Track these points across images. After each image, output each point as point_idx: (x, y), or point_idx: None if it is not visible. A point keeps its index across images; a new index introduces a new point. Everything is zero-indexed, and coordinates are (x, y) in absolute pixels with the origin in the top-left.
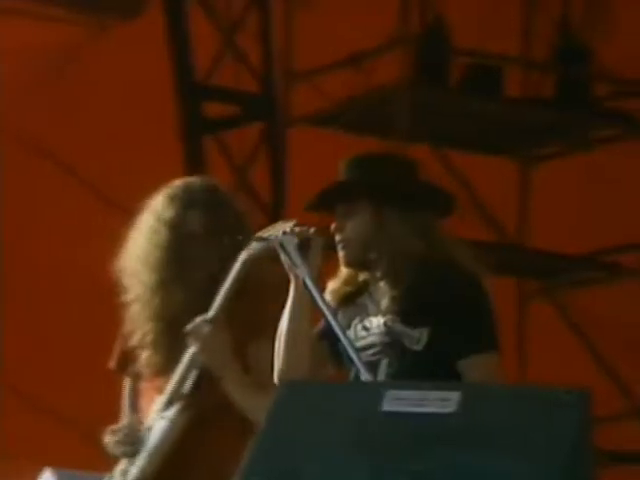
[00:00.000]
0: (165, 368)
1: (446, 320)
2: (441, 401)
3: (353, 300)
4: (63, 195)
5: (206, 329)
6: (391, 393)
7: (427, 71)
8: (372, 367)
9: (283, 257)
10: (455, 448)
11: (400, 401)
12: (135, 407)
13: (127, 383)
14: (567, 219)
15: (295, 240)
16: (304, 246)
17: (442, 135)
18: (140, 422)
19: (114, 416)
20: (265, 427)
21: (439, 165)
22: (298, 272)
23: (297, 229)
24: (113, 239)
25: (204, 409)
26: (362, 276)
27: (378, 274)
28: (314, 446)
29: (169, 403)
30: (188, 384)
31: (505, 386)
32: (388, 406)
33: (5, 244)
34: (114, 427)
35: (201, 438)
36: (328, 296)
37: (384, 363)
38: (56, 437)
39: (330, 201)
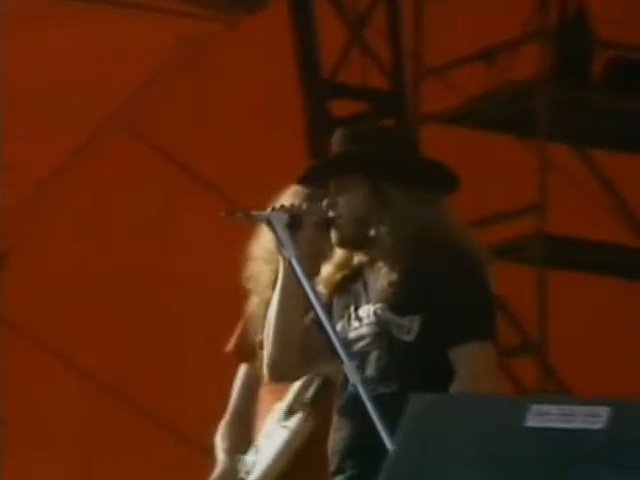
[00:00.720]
0: None
1: (439, 307)
2: (589, 417)
3: (348, 287)
4: (182, 194)
5: None
6: (536, 408)
7: (567, 65)
8: (362, 359)
9: (272, 236)
10: (602, 467)
11: (545, 416)
12: (246, 395)
13: (242, 369)
14: None
15: (285, 217)
16: (295, 224)
17: (583, 134)
18: (238, 471)
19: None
20: (399, 441)
21: (580, 165)
22: (285, 252)
23: (287, 205)
24: (233, 239)
25: (327, 421)
26: (357, 260)
27: (375, 254)
28: (452, 462)
29: (290, 412)
30: (310, 392)
31: None
32: (532, 422)
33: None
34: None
35: (322, 452)
36: (321, 282)
37: (373, 355)
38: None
39: (323, 176)
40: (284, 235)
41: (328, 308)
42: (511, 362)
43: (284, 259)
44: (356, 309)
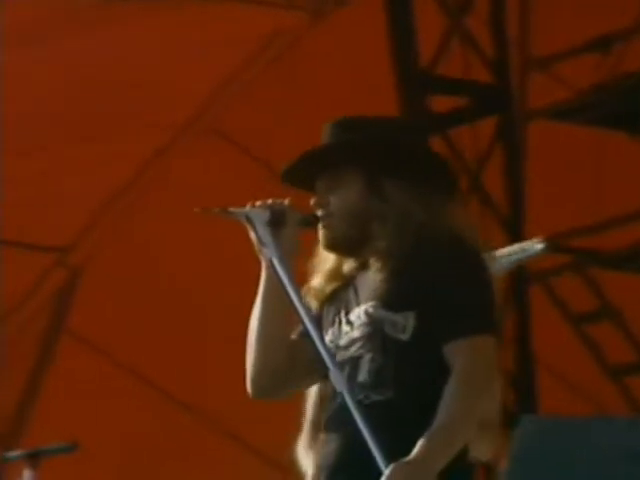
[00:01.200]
0: None
1: (436, 300)
2: None
3: (338, 295)
4: (266, 192)
5: None
6: None
7: None
8: (354, 365)
9: (252, 235)
10: None
11: None
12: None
13: (313, 387)
14: None
15: (266, 214)
16: (279, 222)
17: None
18: None
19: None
20: (510, 466)
21: None
22: (266, 252)
23: (270, 201)
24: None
25: None
26: (347, 267)
27: (368, 255)
28: None
29: None
30: None
31: None
32: None
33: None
34: None
35: None
36: (311, 294)
37: (366, 359)
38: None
39: (310, 171)
40: (264, 233)
41: (318, 320)
42: (626, 380)
43: (265, 259)
44: (347, 313)
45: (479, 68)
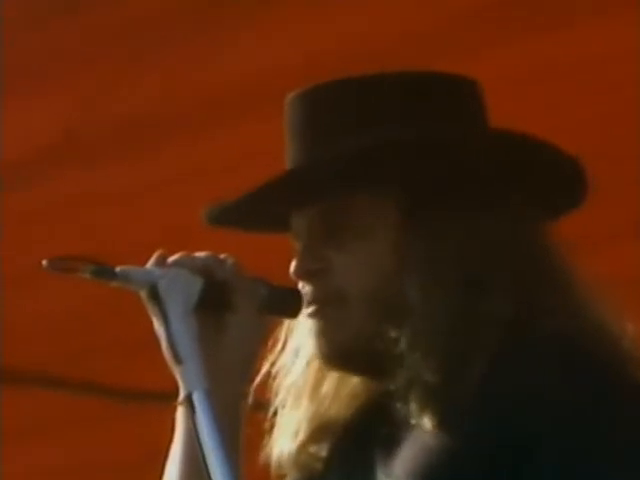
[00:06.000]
0: None
1: None
2: None
3: (339, 457)
4: None
5: None
6: None
7: None
8: None
9: (159, 328)
10: None
11: None
12: None
13: None
14: None
15: (197, 284)
16: (218, 304)
17: None
18: None
19: None
20: None
21: None
22: (182, 375)
23: (201, 255)
24: None
25: None
26: (366, 385)
27: (405, 379)
28: None
29: None
30: None
31: None
32: None
33: None
34: None
35: None
36: (282, 464)
37: None
38: None
39: (284, 199)
40: (184, 330)
41: None
42: None
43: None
44: None
45: None
